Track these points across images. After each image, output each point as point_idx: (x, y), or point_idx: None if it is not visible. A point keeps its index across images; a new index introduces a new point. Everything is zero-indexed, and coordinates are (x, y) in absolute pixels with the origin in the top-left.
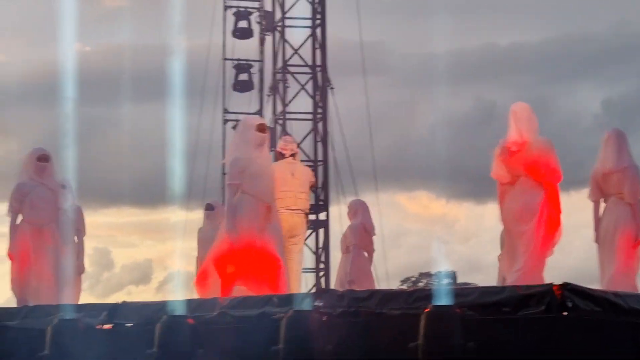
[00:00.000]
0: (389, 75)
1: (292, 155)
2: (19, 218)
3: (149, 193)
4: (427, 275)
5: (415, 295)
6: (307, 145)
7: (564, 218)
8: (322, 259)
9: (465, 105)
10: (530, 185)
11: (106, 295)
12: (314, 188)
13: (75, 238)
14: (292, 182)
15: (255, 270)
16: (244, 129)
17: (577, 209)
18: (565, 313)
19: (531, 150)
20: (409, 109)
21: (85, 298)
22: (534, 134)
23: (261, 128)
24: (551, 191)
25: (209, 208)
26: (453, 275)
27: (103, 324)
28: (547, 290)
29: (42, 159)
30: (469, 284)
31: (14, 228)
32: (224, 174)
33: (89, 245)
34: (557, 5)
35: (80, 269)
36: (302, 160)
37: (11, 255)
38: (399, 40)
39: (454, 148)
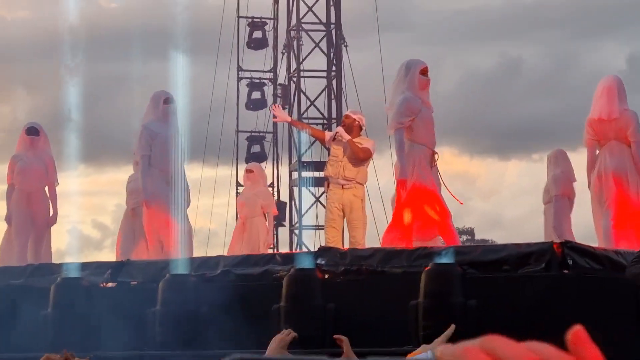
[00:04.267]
0: (413, 32)
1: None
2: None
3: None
4: None
5: (417, 253)
6: (321, 103)
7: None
8: None
9: (489, 61)
10: None
11: None
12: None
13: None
14: None
15: None
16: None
17: None
18: (565, 271)
19: None
20: (433, 66)
21: (107, 256)
22: None
23: None
24: None
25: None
26: (471, 232)
27: (107, 282)
28: (548, 248)
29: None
30: (488, 240)
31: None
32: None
33: (112, 202)
34: None
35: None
36: (314, 118)
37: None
38: None
39: (478, 104)
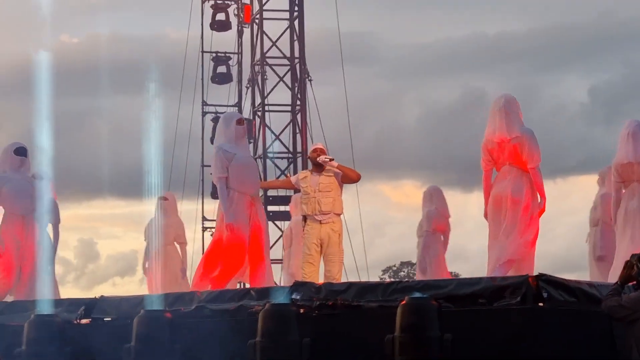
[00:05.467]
0: (377, 66)
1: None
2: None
3: (133, 185)
4: (408, 264)
5: (392, 288)
6: (286, 137)
7: (549, 206)
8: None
9: (453, 94)
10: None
11: (91, 287)
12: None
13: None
14: None
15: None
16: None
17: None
18: (540, 304)
19: None
20: (398, 99)
21: (69, 290)
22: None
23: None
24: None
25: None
26: None
27: (81, 319)
28: (523, 281)
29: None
30: (452, 273)
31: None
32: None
33: (74, 237)
34: None
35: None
36: (279, 152)
37: None
38: (388, 31)
39: (441, 137)
